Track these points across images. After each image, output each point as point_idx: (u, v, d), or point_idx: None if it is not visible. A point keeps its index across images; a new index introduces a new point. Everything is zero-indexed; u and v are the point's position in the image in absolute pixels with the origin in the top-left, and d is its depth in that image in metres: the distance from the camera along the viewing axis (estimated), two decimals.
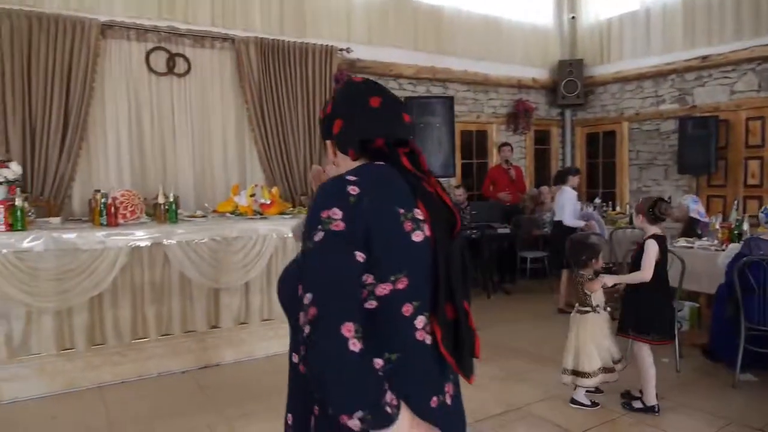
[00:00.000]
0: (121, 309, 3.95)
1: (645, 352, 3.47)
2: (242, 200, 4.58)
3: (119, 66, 5.60)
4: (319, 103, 6.57)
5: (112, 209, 4.00)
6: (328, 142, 1.33)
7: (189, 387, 3.92)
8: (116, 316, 3.94)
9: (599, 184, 8.65)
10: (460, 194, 7.32)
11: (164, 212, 4.24)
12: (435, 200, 1.22)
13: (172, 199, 4.28)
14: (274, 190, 4.84)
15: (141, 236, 3.96)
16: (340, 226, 1.08)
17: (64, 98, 5.24)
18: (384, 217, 1.12)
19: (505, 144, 7.49)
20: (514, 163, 7.72)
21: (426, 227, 1.17)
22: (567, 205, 5.98)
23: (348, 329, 1.03)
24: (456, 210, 1.27)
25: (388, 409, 1.05)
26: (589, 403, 3.51)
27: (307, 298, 1.06)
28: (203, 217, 4.67)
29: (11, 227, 3.66)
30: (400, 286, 1.12)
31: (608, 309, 3.58)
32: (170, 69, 5.82)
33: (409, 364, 1.13)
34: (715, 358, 4.21)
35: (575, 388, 3.51)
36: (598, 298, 3.51)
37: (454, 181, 7.32)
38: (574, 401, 3.52)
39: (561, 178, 6.23)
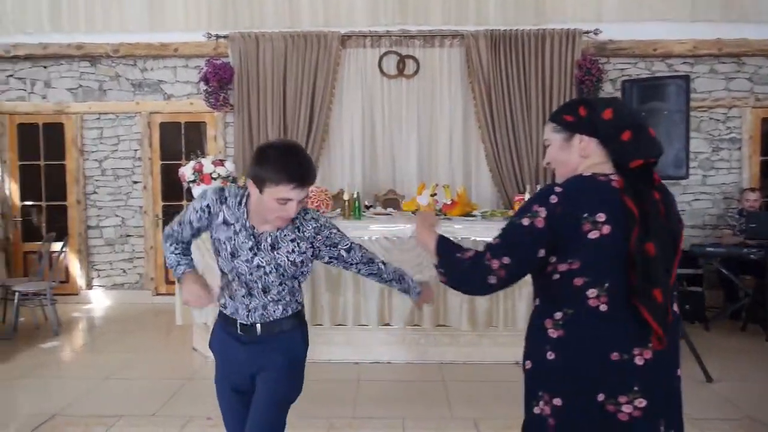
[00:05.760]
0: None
1: None
2: (423, 200, 4.47)
3: (355, 71, 6.11)
4: (558, 96, 5.95)
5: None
6: (577, 134, 1.59)
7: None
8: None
9: None
10: (751, 199, 5.70)
11: (348, 208, 4.46)
12: (647, 206, 1.49)
13: (356, 196, 4.46)
14: (460, 190, 4.57)
15: None
16: (541, 223, 1.49)
17: (309, 103, 6.00)
18: (567, 221, 1.48)
19: None
20: None
21: (605, 227, 1.47)
22: None
23: (495, 263, 1.52)
24: (673, 218, 1.55)
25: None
26: None
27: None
28: (387, 214, 4.73)
29: None
30: (574, 266, 1.49)
31: None
32: (400, 71, 6.06)
33: (581, 319, 1.51)
34: None
35: None
36: None
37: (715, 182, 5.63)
38: None
39: None
